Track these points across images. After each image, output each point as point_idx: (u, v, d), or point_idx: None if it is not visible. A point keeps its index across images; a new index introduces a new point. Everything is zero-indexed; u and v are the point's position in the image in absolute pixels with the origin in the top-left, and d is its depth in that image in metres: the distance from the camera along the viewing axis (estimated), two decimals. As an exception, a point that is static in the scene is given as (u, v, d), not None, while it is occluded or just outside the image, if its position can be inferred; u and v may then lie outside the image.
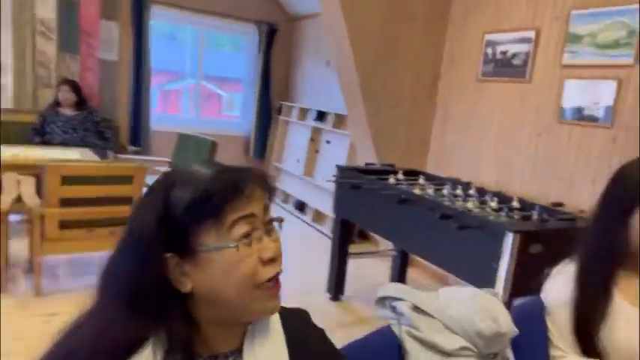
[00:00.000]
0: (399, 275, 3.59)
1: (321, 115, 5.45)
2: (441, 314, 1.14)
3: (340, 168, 3.28)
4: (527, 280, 2.13)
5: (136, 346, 0.67)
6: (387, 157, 3.88)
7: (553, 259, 2.22)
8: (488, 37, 3.60)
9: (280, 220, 0.75)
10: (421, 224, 2.54)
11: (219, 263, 0.69)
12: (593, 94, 2.90)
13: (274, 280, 0.72)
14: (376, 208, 2.88)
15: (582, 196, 2.94)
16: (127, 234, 0.72)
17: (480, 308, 1.13)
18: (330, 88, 5.33)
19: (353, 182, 2.95)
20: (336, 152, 5.15)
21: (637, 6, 2.64)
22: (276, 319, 0.79)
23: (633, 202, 1.25)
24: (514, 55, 3.40)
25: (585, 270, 1.33)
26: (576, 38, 2.99)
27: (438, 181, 3.20)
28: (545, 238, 2.17)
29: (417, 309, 1.15)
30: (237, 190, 0.70)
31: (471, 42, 3.76)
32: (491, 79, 3.57)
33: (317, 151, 5.56)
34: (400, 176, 3.21)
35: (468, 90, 3.79)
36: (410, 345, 1.10)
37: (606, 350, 1.26)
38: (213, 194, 0.69)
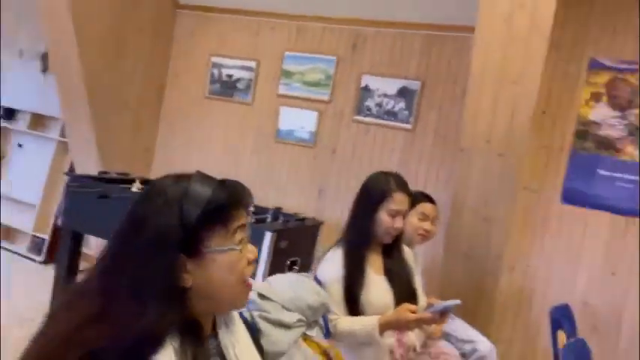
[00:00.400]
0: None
1: (9, 113, 4.60)
2: (279, 297, 1.42)
3: (73, 176, 2.99)
4: (277, 267, 2.61)
5: (159, 340, 0.71)
6: (111, 165, 3.71)
7: (292, 250, 2.78)
8: (214, 59, 3.98)
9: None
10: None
11: (222, 263, 0.81)
12: (301, 121, 3.67)
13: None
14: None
15: (293, 201, 3.67)
16: (139, 238, 0.76)
17: (306, 287, 1.47)
18: (24, 83, 4.57)
19: (99, 191, 2.76)
20: (33, 158, 4.46)
21: (334, 57, 3.54)
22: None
23: (376, 204, 1.84)
24: (238, 80, 3.89)
25: (348, 254, 1.85)
26: (289, 74, 3.72)
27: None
28: (288, 235, 2.69)
29: (261, 296, 1.39)
30: (240, 202, 0.84)
31: (196, 60, 4.05)
32: (218, 97, 3.96)
33: (3, 157, 4.65)
34: (139, 185, 3.19)
35: (195, 105, 4.06)
36: (263, 325, 1.33)
37: (365, 308, 1.80)
38: (223, 205, 0.81)
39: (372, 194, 1.86)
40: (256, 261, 0.88)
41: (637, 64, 2.78)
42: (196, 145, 4.04)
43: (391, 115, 3.38)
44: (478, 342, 2.15)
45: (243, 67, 3.88)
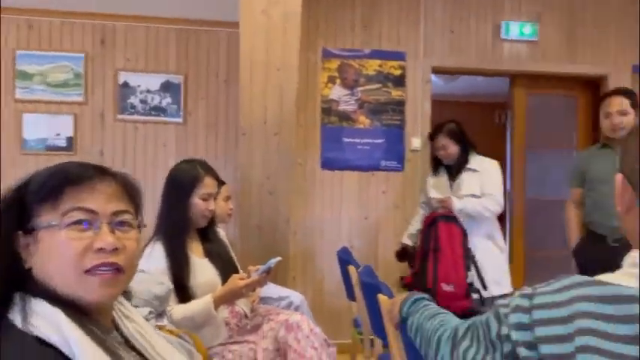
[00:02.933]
0: None
1: None
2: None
3: None
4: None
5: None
6: None
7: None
8: None
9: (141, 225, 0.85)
10: None
11: (48, 243, 0.74)
12: (54, 127, 3.27)
13: (107, 269, 0.76)
14: None
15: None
16: None
17: (147, 280, 1.46)
18: None
19: None
20: None
21: (81, 54, 3.25)
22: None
23: (189, 191, 1.90)
24: (-47, 86, 3.17)
25: (169, 244, 1.87)
26: (26, 76, 3.24)
27: None
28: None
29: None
30: (76, 181, 0.77)
31: None
32: None
33: None
34: None
35: None
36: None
37: (194, 292, 1.86)
38: (54, 180, 0.76)
39: (183, 183, 1.91)
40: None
41: (358, 51, 3.52)
42: None
43: (159, 110, 3.35)
44: (291, 296, 2.46)
45: (-43, 71, 3.18)
